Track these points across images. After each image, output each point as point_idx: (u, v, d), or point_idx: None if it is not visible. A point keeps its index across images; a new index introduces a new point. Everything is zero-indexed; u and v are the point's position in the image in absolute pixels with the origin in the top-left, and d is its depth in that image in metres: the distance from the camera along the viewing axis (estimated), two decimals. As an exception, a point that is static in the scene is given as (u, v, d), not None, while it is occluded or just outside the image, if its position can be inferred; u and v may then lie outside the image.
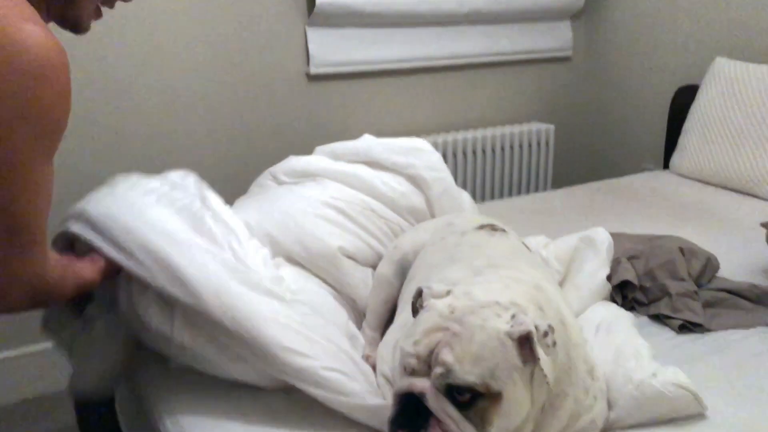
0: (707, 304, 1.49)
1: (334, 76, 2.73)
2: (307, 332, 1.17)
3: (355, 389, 1.12)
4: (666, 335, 1.42)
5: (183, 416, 1.16)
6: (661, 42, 2.89)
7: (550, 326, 0.95)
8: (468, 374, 0.91)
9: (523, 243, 1.38)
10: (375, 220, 1.53)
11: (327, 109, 2.75)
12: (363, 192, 1.56)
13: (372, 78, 2.79)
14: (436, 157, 1.66)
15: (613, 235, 1.69)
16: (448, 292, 1.01)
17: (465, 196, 1.69)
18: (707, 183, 2.44)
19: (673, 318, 1.43)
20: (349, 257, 1.44)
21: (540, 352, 0.92)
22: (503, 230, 1.36)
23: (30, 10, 0.92)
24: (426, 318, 0.97)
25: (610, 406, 1.13)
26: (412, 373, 0.95)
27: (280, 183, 1.65)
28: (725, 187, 2.37)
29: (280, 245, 1.42)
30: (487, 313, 0.96)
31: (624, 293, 1.51)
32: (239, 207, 1.54)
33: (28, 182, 0.93)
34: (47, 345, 2.23)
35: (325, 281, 1.40)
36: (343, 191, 1.55)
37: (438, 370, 0.92)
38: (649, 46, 2.95)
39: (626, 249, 1.62)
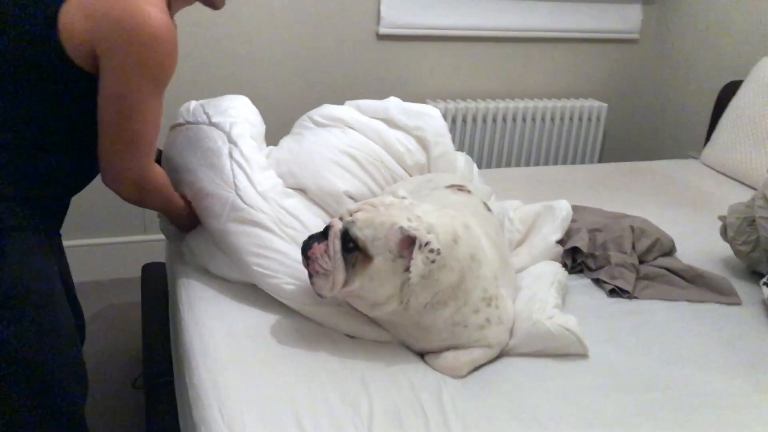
0: (645, 277, 1.73)
1: (402, 38, 3.02)
2: (277, 256, 1.52)
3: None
4: (600, 296, 1.68)
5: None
6: (724, 34, 2.98)
7: (438, 250, 1.28)
8: (358, 231, 1.28)
9: (485, 203, 1.66)
10: (382, 170, 1.82)
11: (393, 68, 3.05)
12: (378, 144, 1.86)
13: (438, 41, 3.06)
14: (441, 123, 1.91)
15: (587, 209, 1.95)
16: (403, 198, 1.36)
17: (461, 160, 1.95)
18: (729, 177, 2.58)
19: (607, 283, 1.68)
20: (351, 198, 1.76)
21: (417, 253, 1.25)
22: (468, 191, 1.66)
23: (163, 5, 1.28)
24: (374, 199, 1.35)
25: (512, 335, 1.43)
26: (341, 219, 1.33)
27: (316, 124, 1.93)
28: (744, 184, 2.51)
29: (297, 179, 1.74)
30: (404, 215, 1.31)
31: (575, 257, 1.78)
32: (280, 144, 1.88)
33: (143, 111, 1.31)
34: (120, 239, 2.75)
35: (326, 211, 1.74)
36: (360, 141, 1.82)
37: (348, 218, 1.30)
38: (712, 37, 3.04)
39: (593, 221, 1.87)
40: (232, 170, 1.61)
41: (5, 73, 1.26)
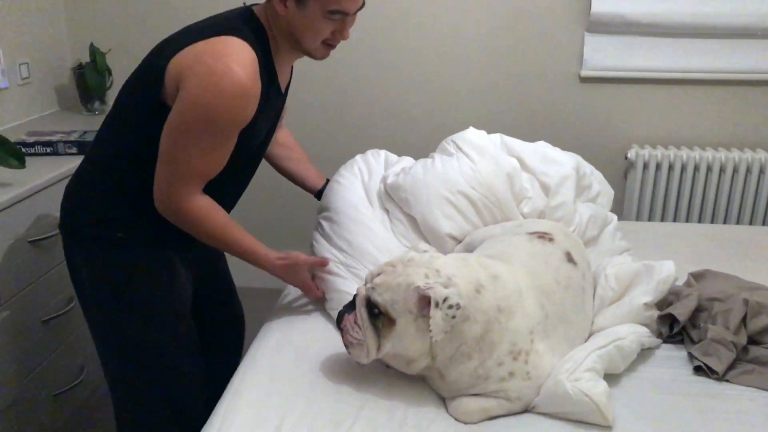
0: (754, 360, 1.50)
1: (605, 80, 2.92)
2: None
3: None
4: (685, 372, 1.50)
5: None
6: None
7: (458, 305, 1.29)
8: (379, 296, 1.33)
9: (569, 254, 1.60)
10: (495, 213, 1.81)
11: (595, 111, 2.97)
12: (502, 183, 1.82)
13: (641, 84, 2.90)
14: (569, 173, 1.86)
15: (720, 275, 1.74)
16: (425, 252, 1.42)
17: (585, 214, 1.86)
18: None
19: (697, 359, 1.50)
20: (454, 239, 1.82)
21: (434, 311, 1.27)
22: (551, 239, 1.62)
23: (244, 57, 1.40)
24: (395, 258, 1.41)
25: (539, 393, 1.37)
26: (365, 283, 1.39)
27: (456, 149, 1.90)
28: None
29: (411, 209, 1.82)
30: (421, 271, 1.34)
31: (673, 326, 1.60)
32: (413, 165, 1.91)
33: (190, 145, 1.42)
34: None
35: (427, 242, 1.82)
36: (484, 178, 1.80)
37: (368, 285, 1.36)
38: None
39: (718, 290, 1.66)
40: None
41: (125, 105, 1.55)
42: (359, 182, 1.95)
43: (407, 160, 2.00)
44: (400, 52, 2.96)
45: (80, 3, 3.02)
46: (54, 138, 2.31)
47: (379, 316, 1.33)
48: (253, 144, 1.58)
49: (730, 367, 1.48)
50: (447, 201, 1.80)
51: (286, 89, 1.71)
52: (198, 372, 1.71)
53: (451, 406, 1.38)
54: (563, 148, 2.51)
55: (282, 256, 1.64)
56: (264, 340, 1.61)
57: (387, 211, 1.88)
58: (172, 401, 1.66)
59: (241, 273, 2.03)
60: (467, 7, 2.88)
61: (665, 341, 1.62)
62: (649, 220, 2.96)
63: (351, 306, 1.38)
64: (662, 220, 2.96)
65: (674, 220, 2.94)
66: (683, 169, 2.87)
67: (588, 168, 2.01)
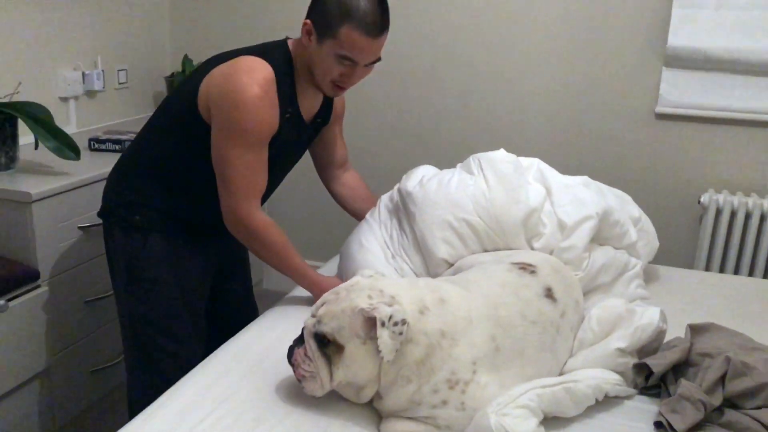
0: (726, 425, 1.36)
1: (681, 117, 2.77)
2: None
3: None
4: (646, 427, 1.40)
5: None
6: None
7: (403, 320, 1.28)
8: (325, 326, 1.33)
9: (549, 289, 1.53)
10: (499, 243, 1.78)
11: (670, 150, 2.81)
12: (518, 213, 1.75)
13: (720, 124, 2.72)
14: (587, 215, 1.77)
15: (728, 331, 1.61)
16: (370, 276, 1.42)
17: (599, 262, 1.78)
18: None
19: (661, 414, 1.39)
20: (447, 263, 1.79)
21: (381, 331, 1.26)
22: (532, 272, 1.56)
23: (258, 71, 1.58)
24: (340, 286, 1.42)
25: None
26: (312, 315, 1.41)
27: (478, 168, 1.85)
28: None
29: (415, 223, 1.81)
30: (365, 294, 1.34)
31: (650, 377, 1.49)
32: (438, 176, 1.89)
33: (231, 159, 1.60)
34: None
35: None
36: (494, 207, 1.75)
37: (313, 318, 1.37)
38: None
39: (713, 346, 1.53)
40: None
41: (167, 110, 1.76)
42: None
43: (426, 170, 1.99)
44: (473, 79, 2.96)
45: (183, 16, 3.30)
46: (124, 137, 2.54)
47: (328, 345, 1.32)
48: (276, 161, 1.72)
49: (698, 428, 1.36)
50: (449, 226, 1.78)
51: (314, 122, 1.84)
52: (198, 347, 1.83)
53: (382, 425, 1.37)
54: (633, 187, 2.48)
55: (326, 277, 1.79)
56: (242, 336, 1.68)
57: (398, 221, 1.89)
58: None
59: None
60: (541, 36, 2.84)
61: (642, 392, 1.51)
62: (721, 271, 2.74)
63: (300, 340, 1.37)
64: (736, 272, 2.73)
65: (750, 274, 2.70)
66: (763, 218, 2.64)
67: (623, 216, 1.89)
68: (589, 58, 2.80)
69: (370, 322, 1.29)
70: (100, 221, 1.86)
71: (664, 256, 2.81)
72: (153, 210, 1.77)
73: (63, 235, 2.14)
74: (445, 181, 1.84)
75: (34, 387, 2.10)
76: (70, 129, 2.73)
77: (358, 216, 2.03)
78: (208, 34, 3.26)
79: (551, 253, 1.75)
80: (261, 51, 1.65)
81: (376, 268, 1.73)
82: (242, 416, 1.35)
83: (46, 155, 2.22)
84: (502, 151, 1.90)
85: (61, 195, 2.11)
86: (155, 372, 1.79)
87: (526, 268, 1.57)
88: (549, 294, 1.54)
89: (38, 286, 2.07)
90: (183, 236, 1.80)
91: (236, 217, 1.66)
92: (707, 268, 2.76)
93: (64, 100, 2.74)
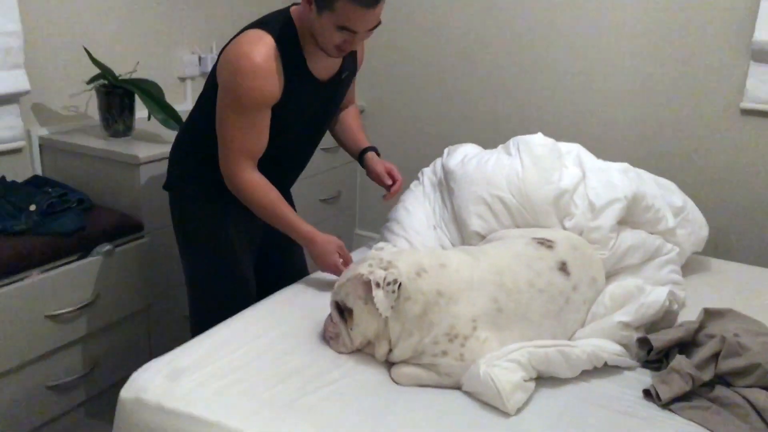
0: (715, 400, 1.43)
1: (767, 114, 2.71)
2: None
3: None
4: (638, 392, 1.49)
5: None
6: None
7: (395, 280, 1.48)
8: (337, 296, 1.56)
9: (564, 263, 1.66)
10: (529, 220, 1.90)
11: (756, 146, 2.77)
12: (542, 193, 1.89)
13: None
14: (614, 197, 1.86)
15: (741, 316, 1.66)
16: (381, 248, 1.63)
17: (627, 242, 1.86)
18: None
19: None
20: (479, 236, 1.95)
21: (376, 291, 1.47)
22: (549, 246, 1.69)
23: (259, 42, 1.68)
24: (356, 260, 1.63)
25: (471, 371, 1.49)
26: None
27: (517, 151, 2.00)
28: None
29: (453, 197, 2.00)
30: (367, 263, 1.55)
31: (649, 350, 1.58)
32: (471, 160, 2.06)
33: (228, 122, 1.73)
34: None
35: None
36: (524, 188, 1.90)
37: (333, 290, 1.59)
38: None
39: (722, 329, 1.59)
40: None
41: (205, 100, 1.91)
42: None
43: (468, 148, 2.14)
44: (561, 77, 3.04)
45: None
46: (227, 114, 2.85)
47: (343, 312, 1.55)
48: (294, 124, 1.87)
49: (683, 399, 1.44)
50: (483, 201, 1.94)
51: (335, 79, 1.92)
52: (244, 299, 2.00)
53: (392, 369, 1.56)
54: (717, 183, 2.63)
55: (321, 234, 1.89)
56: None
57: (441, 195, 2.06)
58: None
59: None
60: (626, 32, 2.87)
61: (645, 366, 1.60)
62: (801, 271, 2.67)
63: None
64: (816, 274, 2.64)
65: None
66: None
67: (659, 201, 1.95)
68: (674, 52, 2.80)
69: (367, 285, 1.49)
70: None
71: (744, 255, 2.79)
72: (202, 181, 1.94)
73: (164, 195, 2.47)
74: (484, 160, 2.00)
75: (136, 321, 2.46)
76: (186, 105, 3.08)
77: (338, 141, 2.14)
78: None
79: (581, 233, 1.85)
80: (263, 23, 1.75)
81: (421, 234, 1.92)
82: (274, 347, 1.59)
83: (157, 126, 2.56)
84: (539, 135, 2.04)
85: (165, 160, 2.43)
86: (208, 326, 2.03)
87: (545, 242, 1.70)
88: (563, 267, 1.66)
89: (142, 237, 2.41)
90: (231, 205, 1.90)
91: (227, 175, 1.80)
92: (786, 268, 2.69)
93: (182, 80, 3.11)
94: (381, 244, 1.66)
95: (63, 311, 2.12)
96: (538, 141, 2.01)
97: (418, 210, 2.04)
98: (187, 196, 2.00)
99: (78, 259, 2.19)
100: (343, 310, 1.55)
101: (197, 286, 2.07)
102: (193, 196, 1.99)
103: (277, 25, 1.74)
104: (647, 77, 2.87)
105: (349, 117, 2.15)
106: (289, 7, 1.83)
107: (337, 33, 1.67)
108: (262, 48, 1.69)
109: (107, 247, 2.24)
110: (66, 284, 2.13)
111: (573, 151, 2.02)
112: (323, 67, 1.85)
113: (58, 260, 2.14)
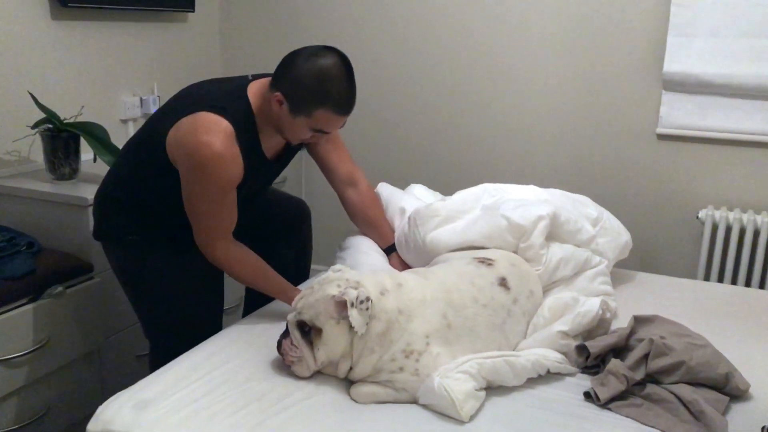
0: (647, 397, 1.57)
1: (681, 138, 2.95)
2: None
3: None
4: (579, 396, 1.62)
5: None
6: None
7: (367, 298, 1.57)
8: (304, 315, 1.62)
9: (504, 279, 1.79)
10: None
11: (672, 170, 2.99)
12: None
13: (718, 145, 2.88)
14: (535, 216, 1.96)
15: (669, 322, 1.81)
16: (338, 270, 1.71)
17: (554, 256, 1.98)
18: None
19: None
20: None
21: (351, 310, 1.55)
22: (489, 264, 1.82)
23: (218, 129, 1.69)
24: (313, 282, 1.71)
25: (423, 387, 1.59)
26: (292, 311, 1.69)
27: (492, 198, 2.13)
28: None
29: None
30: (334, 284, 1.63)
31: (587, 356, 1.71)
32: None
33: (197, 203, 1.77)
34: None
35: None
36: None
37: (294, 312, 1.66)
38: None
39: (650, 333, 1.73)
40: None
41: (141, 149, 1.92)
42: None
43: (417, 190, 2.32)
44: (484, 96, 3.22)
45: (233, 44, 3.69)
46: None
47: (309, 332, 1.60)
48: (244, 194, 1.90)
49: (619, 398, 1.57)
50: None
51: (282, 155, 2.00)
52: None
53: (351, 389, 1.64)
54: (636, 203, 2.84)
55: None
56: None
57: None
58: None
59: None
60: (543, 61, 3.08)
61: (584, 371, 1.72)
62: (720, 281, 2.89)
63: (285, 333, 1.64)
64: (733, 283, 2.87)
65: (747, 285, 2.84)
66: (757, 233, 2.79)
67: (573, 214, 2.10)
68: (593, 84, 3.02)
69: (341, 305, 1.57)
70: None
71: (667, 268, 3.00)
72: (143, 231, 1.94)
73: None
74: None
75: (87, 363, 2.45)
76: (128, 147, 3.13)
77: (365, 234, 2.24)
78: (256, 59, 3.62)
79: (515, 252, 1.98)
80: (220, 107, 1.74)
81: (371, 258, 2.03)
82: (236, 375, 1.65)
83: (103, 168, 2.59)
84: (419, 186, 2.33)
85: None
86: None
87: (485, 261, 1.83)
88: (503, 283, 1.79)
89: (92, 278, 2.43)
90: (176, 248, 1.94)
91: (206, 252, 1.86)
92: (706, 279, 2.90)
93: (124, 121, 3.15)
94: (338, 266, 1.75)
95: (15, 355, 2.12)
96: (431, 211, 2.11)
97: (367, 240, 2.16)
98: (132, 246, 1.97)
99: (29, 302, 2.19)
100: (307, 331, 1.61)
101: (157, 332, 2.08)
102: (140, 245, 1.96)
103: (233, 110, 1.76)
104: (568, 105, 3.08)
105: (366, 209, 2.21)
106: (245, 85, 1.83)
107: (308, 133, 1.78)
108: (221, 135, 1.71)
109: (58, 288, 2.26)
110: (17, 328, 2.13)
111: (479, 196, 2.13)
112: (272, 146, 1.92)
113: (8, 304, 2.14)
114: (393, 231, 2.22)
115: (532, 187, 2.22)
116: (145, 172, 1.89)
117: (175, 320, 2.04)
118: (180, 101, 1.86)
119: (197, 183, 1.76)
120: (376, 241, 2.22)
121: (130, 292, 2.08)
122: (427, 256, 2.04)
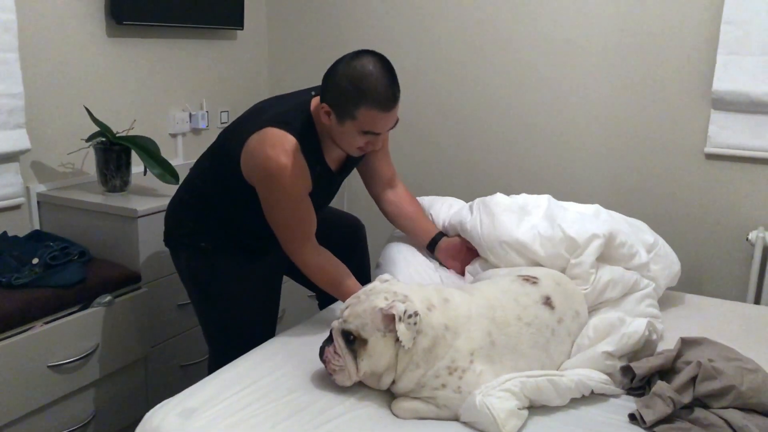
0: (695, 421, 1.54)
1: (730, 158, 2.89)
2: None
3: None
4: (624, 417, 1.59)
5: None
6: None
7: (415, 312, 1.57)
8: (350, 324, 1.63)
9: (548, 297, 1.78)
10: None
11: (720, 190, 2.93)
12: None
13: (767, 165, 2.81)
14: (589, 235, 1.95)
15: (719, 345, 1.76)
16: (385, 281, 1.72)
17: (603, 277, 1.95)
18: None
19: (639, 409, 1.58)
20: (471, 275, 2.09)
21: (399, 324, 1.55)
22: (534, 282, 1.81)
23: (282, 142, 1.77)
24: (359, 291, 1.72)
25: (468, 403, 1.58)
26: (338, 319, 1.71)
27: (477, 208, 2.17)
28: None
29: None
30: (381, 296, 1.64)
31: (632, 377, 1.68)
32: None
33: (274, 212, 1.85)
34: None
35: None
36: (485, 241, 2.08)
37: (340, 320, 1.67)
38: None
39: (698, 356, 1.70)
40: None
41: (216, 161, 2.00)
42: None
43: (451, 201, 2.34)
44: (531, 110, 3.21)
45: (280, 60, 3.76)
46: (218, 168, 2.97)
47: (353, 341, 1.60)
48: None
49: (666, 421, 1.54)
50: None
51: (345, 166, 2.06)
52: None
53: (393, 404, 1.64)
54: (684, 224, 2.79)
55: None
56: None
57: None
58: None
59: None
60: (589, 77, 3.06)
61: (629, 393, 1.70)
62: (771, 305, 2.82)
63: (329, 340, 1.64)
64: (784, 307, 2.79)
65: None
66: (809, 256, 2.71)
67: (631, 238, 2.06)
68: (639, 101, 2.99)
69: (388, 318, 1.58)
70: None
71: (716, 290, 2.94)
72: (215, 238, 2.03)
73: (162, 246, 2.56)
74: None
75: (134, 371, 2.51)
76: (177, 161, 3.20)
77: (407, 233, 2.30)
78: (302, 75, 3.68)
79: (563, 270, 1.97)
80: (285, 122, 1.82)
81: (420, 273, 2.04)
82: (279, 386, 1.67)
83: (153, 181, 2.66)
84: (498, 195, 2.20)
85: (161, 213, 2.52)
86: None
87: (529, 279, 1.82)
88: (547, 302, 1.77)
89: (139, 288, 2.49)
90: (245, 254, 2.04)
91: (294, 259, 1.93)
92: (756, 303, 2.83)
93: (174, 136, 3.23)
94: (386, 276, 1.75)
95: (65, 361, 2.17)
96: (496, 200, 2.15)
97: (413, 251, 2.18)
98: (202, 252, 2.06)
99: (79, 310, 2.25)
100: (351, 341, 1.60)
101: (220, 338, 2.14)
102: (210, 250, 2.05)
103: (298, 124, 1.83)
104: (617, 126, 3.05)
105: (407, 206, 2.25)
106: (308, 100, 1.90)
107: (360, 137, 1.80)
108: (286, 148, 1.78)
109: (107, 297, 2.31)
110: (68, 335, 2.19)
111: (542, 204, 2.13)
112: (334, 158, 1.98)
113: (60, 311, 2.20)
114: (433, 224, 2.27)
115: (596, 206, 2.19)
116: (220, 184, 1.98)
117: (237, 324, 2.10)
118: (249, 117, 1.94)
119: (271, 195, 1.85)
120: (419, 235, 2.25)
121: (197, 296, 2.15)
122: (484, 243, 2.07)
